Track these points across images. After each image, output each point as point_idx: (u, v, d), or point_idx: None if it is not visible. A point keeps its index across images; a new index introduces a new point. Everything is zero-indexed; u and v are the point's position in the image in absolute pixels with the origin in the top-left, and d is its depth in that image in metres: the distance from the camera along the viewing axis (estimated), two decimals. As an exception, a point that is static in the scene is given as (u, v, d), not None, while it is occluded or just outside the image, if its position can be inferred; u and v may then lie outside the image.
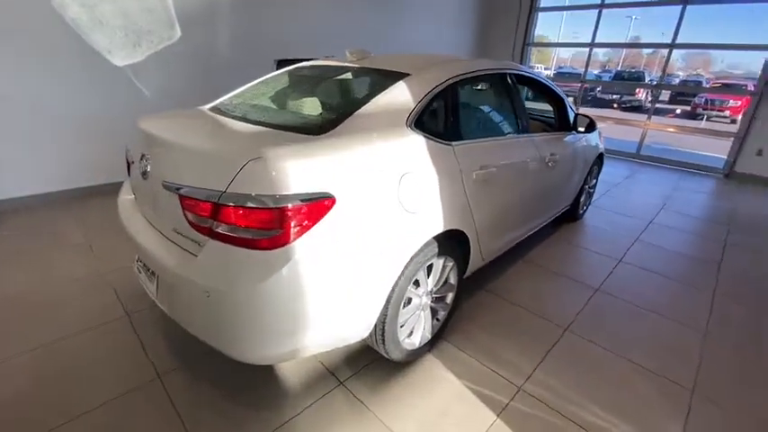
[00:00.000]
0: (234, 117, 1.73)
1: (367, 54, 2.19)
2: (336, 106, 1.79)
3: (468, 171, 1.81)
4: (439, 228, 1.65)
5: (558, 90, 2.86)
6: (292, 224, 1.21)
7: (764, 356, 2.08)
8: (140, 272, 1.68)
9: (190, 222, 1.32)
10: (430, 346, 1.93)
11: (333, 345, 1.49)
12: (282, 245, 1.21)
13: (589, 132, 2.89)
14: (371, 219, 1.39)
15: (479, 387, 1.76)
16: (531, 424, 1.59)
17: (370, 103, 1.60)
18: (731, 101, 14.27)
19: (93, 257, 2.65)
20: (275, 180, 1.19)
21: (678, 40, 5.90)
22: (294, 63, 3.51)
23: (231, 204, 1.20)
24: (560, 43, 7.70)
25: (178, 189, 1.32)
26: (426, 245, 1.61)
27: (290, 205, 1.19)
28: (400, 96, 1.66)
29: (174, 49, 3.91)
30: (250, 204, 1.19)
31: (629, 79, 16.05)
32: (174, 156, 1.41)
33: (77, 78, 3.45)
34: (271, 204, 1.18)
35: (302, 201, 1.21)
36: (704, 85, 16.39)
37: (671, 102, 16.64)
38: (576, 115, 2.89)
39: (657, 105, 6.83)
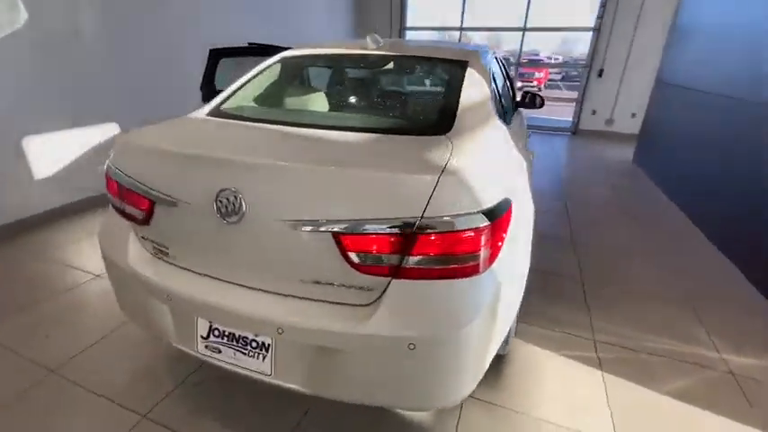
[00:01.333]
0: (300, 125, 1.37)
1: (380, 40, 1.98)
2: (429, 101, 1.61)
3: (525, 154, 1.86)
4: (532, 213, 1.68)
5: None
6: (495, 239, 1.07)
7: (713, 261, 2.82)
8: (218, 351, 1.22)
9: (354, 265, 1.02)
10: (507, 329, 1.98)
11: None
12: (489, 265, 1.06)
13: (540, 108, 3.27)
14: (522, 215, 1.33)
15: (570, 351, 1.90)
16: (627, 368, 1.81)
17: (463, 96, 1.48)
18: (536, 73, 17.97)
19: (13, 351, 1.77)
20: (476, 194, 1.02)
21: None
22: (234, 53, 2.91)
23: (432, 231, 0.98)
24: (434, 27, 8.29)
25: (329, 227, 1.00)
26: (528, 232, 1.62)
27: (492, 219, 1.04)
28: (480, 86, 1.58)
29: (23, 37, 2.76)
30: (456, 227, 0.99)
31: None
32: (305, 185, 1.04)
33: None
34: (477, 223, 1.01)
35: (500, 212, 1.08)
36: (512, 60, 20.17)
37: (493, 76, 19.77)
38: (525, 93, 3.22)
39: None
